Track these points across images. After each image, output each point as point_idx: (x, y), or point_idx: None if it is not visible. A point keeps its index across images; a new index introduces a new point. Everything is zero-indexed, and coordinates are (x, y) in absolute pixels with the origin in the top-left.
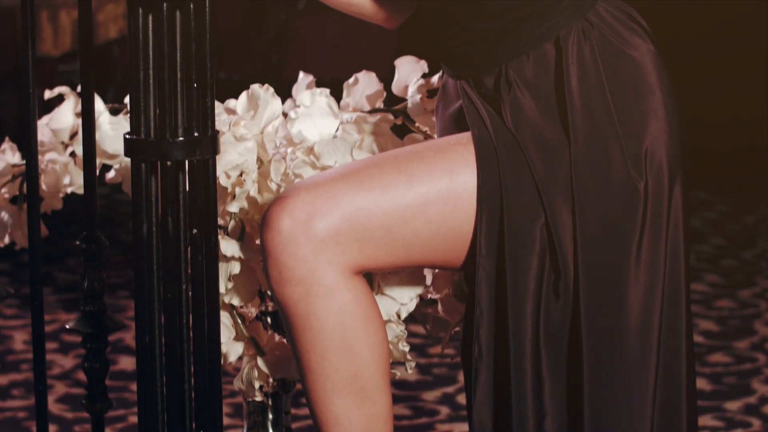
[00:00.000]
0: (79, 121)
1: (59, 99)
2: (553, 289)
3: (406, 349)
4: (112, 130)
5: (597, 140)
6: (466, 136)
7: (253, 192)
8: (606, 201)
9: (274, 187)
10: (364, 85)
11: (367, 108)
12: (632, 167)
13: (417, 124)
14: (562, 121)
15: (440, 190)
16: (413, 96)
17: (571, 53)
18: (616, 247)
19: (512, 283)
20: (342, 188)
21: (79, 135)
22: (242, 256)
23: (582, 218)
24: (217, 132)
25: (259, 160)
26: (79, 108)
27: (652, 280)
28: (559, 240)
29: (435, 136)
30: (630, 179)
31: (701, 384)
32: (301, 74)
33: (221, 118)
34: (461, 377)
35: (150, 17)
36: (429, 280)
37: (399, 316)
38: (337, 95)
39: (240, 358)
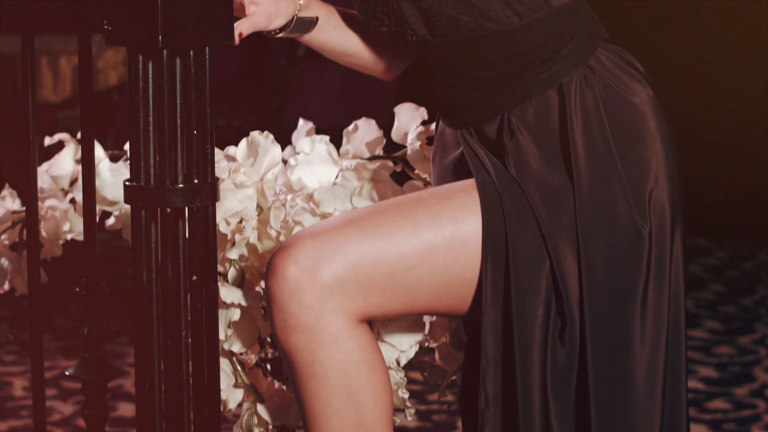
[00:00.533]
0: (79, 167)
1: (59, 145)
2: (559, 336)
3: (406, 395)
4: (112, 176)
5: (601, 186)
6: (470, 183)
7: (253, 239)
8: (611, 247)
9: (273, 234)
10: (363, 132)
11: (367, 155)
12: (637, 213)
13: (416, 171)
14: (565, 167)
15: (445, 237)
16: (413, 143)
17: (573, 99)
18: (622, 293)
19: (519, 332)
20: (347, 235)
21: (79, 181)
22: (242, 303)
23: (587, 264)
24: (217, 179)
25: (259, 207)
26: (79, 154)
27: (657, 326)
28: (565, 286)
29: (433, 184)
30: (635, 225)
31: (701, 430)
32: (301, 121)
33: (221, 165)
34: (461, 424)
35: (150, 64)
36: (427, 329)
37: (398, 363)
38: (336, 142)
39: (240, 405)
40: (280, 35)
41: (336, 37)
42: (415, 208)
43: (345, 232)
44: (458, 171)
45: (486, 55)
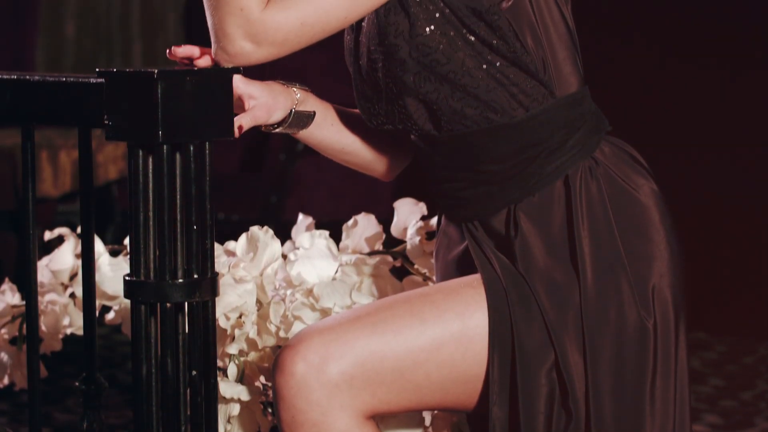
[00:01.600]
0: (79, 262)
1: (59, 240)
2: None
3: None
4: (112, 271)
5: (606, 281)
6: (476, 279)
7: (253, 334)
8: (617, 341)
9: (273, 329)
10: (363, 226)
11: (366, 250)
12: (641, 307)
13: (416, 266)
14: (571, 260)
15: (452, 333)
16: (412, 238)
17: (579, 192)
18: (629, 387)
19: (525, 428)
20: (355, 332)
21: (79, 276)
22: (242, 398)
23: (593, 359)
24: (217, 274)
25: (259, 302)
26: (78, 249)
27: (665, 419)
28: (570, 382)
29: (434, 279)
30: (640, 318)
31: None
32: (301, 216)
33: (221, 260)
34: None
35: (150, 159)
36: (428, 421)
37: None
38: (336, 236)
39: None
40: (278, 130)
41: (333, 134)
42: (422, 305)
43: (353, 328)
44: (463, 266)
45: (492, 148)
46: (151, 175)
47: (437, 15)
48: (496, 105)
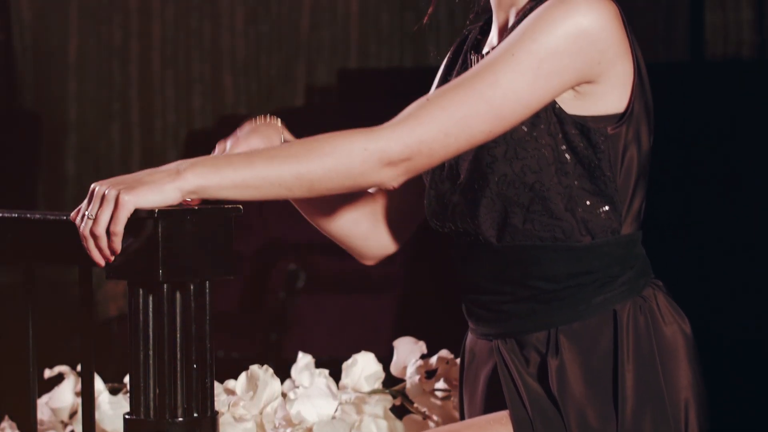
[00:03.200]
0: (79, 400)
1: (59, 378)
2: None
3: None
4: (112, 409)
5: (645, 415)
6: (504, 415)
7: None
8: None
9: None
10: (362, 365)
11: (366, 388)
12: None
13: (416, 405)
14: (612, 391)
15: None
16: (412, 377)
17: (626, 324)
18: None
19: None
20: None
21: (79, 414)
22: None
23: None
24: (217, 412)
25: None
26: (78, 387)
27: None
28: None
29: (439, 418)
30: None
31: None
32: (300, 354)
33: (220, 398)
34: None
35: (150, 297)
36: None
37: None
38: (335, 374)
39: None
40: None
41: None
42: None
43: None
44: (491, 391)
45: (547, 266)
46: (151, 314)
47: (542, 123)
48: (566, 226)
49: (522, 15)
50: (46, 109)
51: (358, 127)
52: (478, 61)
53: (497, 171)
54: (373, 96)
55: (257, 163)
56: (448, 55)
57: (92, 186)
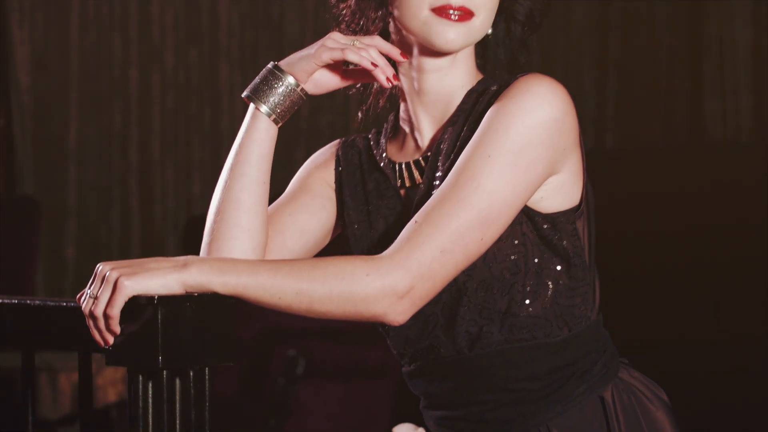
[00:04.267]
0: None
1: None
2: None
3: None
4: None
5: None
6: None
7: None
8: None
9: None
10: None
11: None
12: None
13: None
14: None
15: None
16: None
17: (614, 403)
18: None
19: None
20: None
21: None
22: None
23: None
24: None
25: None
26: None
27: None
28: None
29: None
30: None
31: None
32: None
33: None
34: None
35: (150, 384)
36: None
37: None
38: None
39: None
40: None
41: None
42: None
43: None
44: None
45: (531, 366)
46: (150, 400)
47: (516, 224)
48: (544, 323)
49: (457, 120)
50: (46, 194)
51: None
52: (415, 166)
53: (474, 277)
54: None
55: (261, 273)
56: (332, 165)
57: (98, 266)
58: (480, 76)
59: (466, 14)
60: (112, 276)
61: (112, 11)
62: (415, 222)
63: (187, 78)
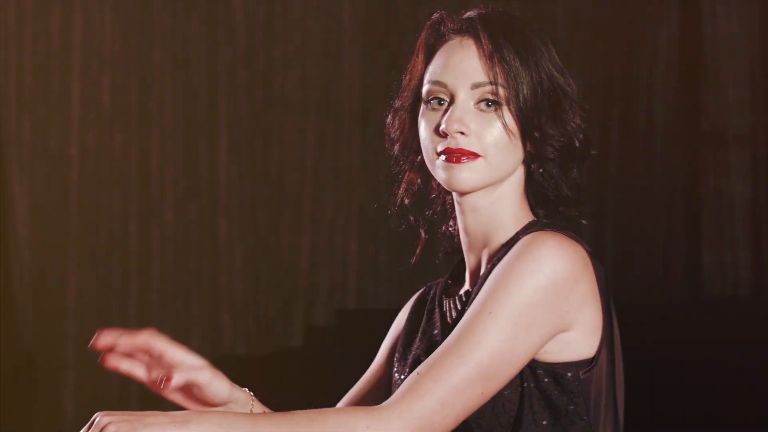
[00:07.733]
0: None
1: None
2: None
3: None
4: None
5: None
6: None
7: None
8: None
9: None
10: None
11: None
12: None
13: None
14: None
15: None
16: None
17: None
18: None
19: None
20: None
21: None
22: None
23: None
24: None
25: None
26: None
27: None
28: None
29: None
30: None
31: None
32: None
33: None
34: None
35: None
36: None
37: None
38: None
39: None
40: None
41: None
42: None
43: None
44: None
45: None
46: None
47: (518, 377)
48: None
49: (495, 261)
50: (44, 348)
51: (358, 366)
52: (453, 305)
53: (484, 426)
54: (372, 336)
55: (260, 429)
56: (409, 307)
57: (96, 415)
58: (531, 217)
59: (468, 155)
60: (110, 429)
61: (112, 166)
62: (417, 374)
63: (187, 232)
